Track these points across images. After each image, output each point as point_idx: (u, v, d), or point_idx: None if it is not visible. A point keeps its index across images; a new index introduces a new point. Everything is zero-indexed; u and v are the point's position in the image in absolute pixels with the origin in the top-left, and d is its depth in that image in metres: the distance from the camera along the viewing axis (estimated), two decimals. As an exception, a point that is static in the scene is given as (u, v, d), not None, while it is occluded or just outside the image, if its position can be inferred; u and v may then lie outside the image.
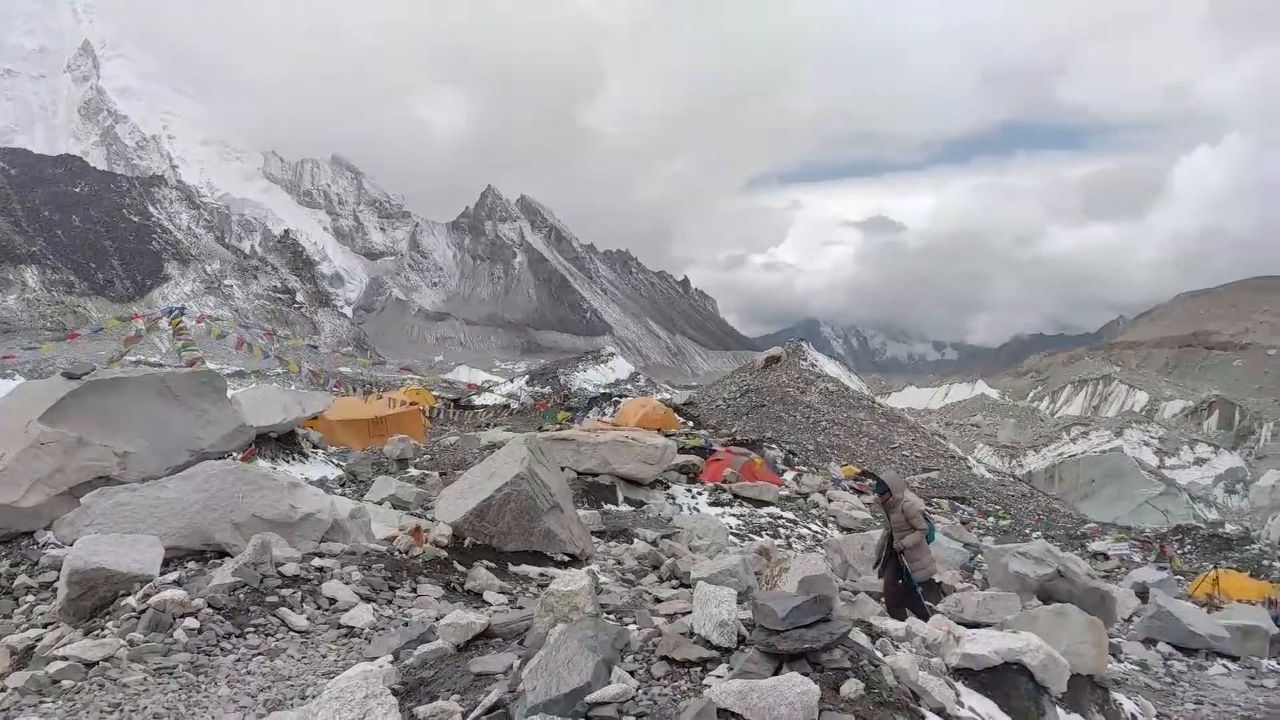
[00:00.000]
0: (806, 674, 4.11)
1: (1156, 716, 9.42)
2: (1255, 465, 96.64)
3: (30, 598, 8.02)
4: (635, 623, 5.49)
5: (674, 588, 8.56)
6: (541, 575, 9.13)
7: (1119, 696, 8.94)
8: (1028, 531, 32.95)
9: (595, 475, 18.04)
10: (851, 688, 4.11)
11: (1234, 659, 14.84)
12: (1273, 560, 32.04)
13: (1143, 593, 19.64)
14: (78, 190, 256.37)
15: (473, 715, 4.32)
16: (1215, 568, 26.79)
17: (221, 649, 6.16)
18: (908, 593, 9.47)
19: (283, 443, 17.63)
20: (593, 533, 12.37)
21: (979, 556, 19.77)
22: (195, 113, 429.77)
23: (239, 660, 6.05)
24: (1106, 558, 30.02)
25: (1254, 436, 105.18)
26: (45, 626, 7.13)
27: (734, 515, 18.92)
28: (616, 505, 17.31)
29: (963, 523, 30.37)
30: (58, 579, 7.77)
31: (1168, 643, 14.89)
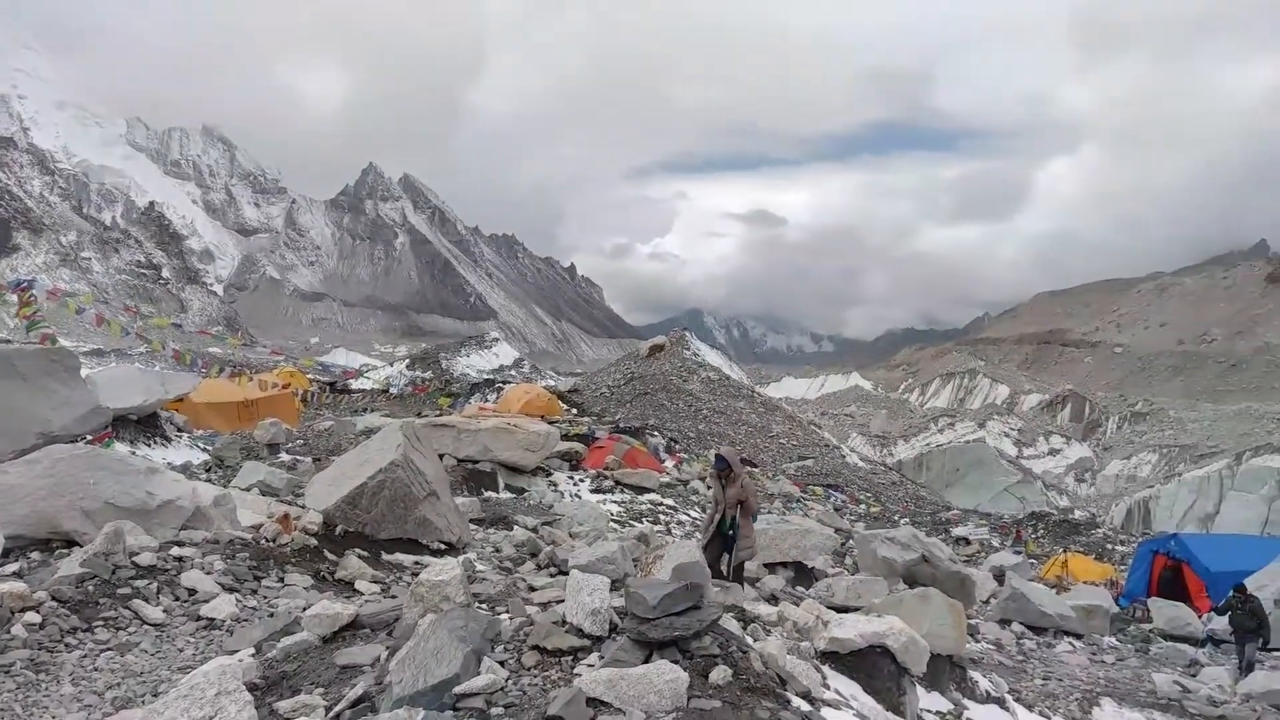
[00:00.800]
0: (676, 661, 4.15)
1: (1009, 692, 9.96)
2: (1102, 455, 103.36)
3: None
4: (508, 612, 5.44)
5: (552, 575, 8.53)
6: (416, 564, 8.95)
7: (975, 674, 9.41)
8: (896, 518, 34.32)
9: (476, 462, 17.82)
10: (720, 674, 4.17)
11: (1079, 636, 15.87)
12: (1115, 544, 34.37)
13: (1000, 575, 20.73)
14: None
15: (337, 709, 4.19)
16: (1064, 551, 28.55)
17: (66, 645, 5.79)
18: (736, 569, 9.57)
19: (144, 425, 16.78)
20: (472, 520, 12.21)
21: (850, 542, 20.46)
22: (50, 72, 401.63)
23: (85, 656, 5.70)
24: (968, 542, 31.57)
25: (1101, 429, 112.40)
26: None
27: (615, 502, 19.02)
28: (497, 492, 17.14)
29: (835, 509, 31.39)
30: (-120, 571, 7.17)
31: (1021, 622, 15.78)
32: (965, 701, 8.68)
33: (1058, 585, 22.19)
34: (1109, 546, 33.62)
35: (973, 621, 14.56)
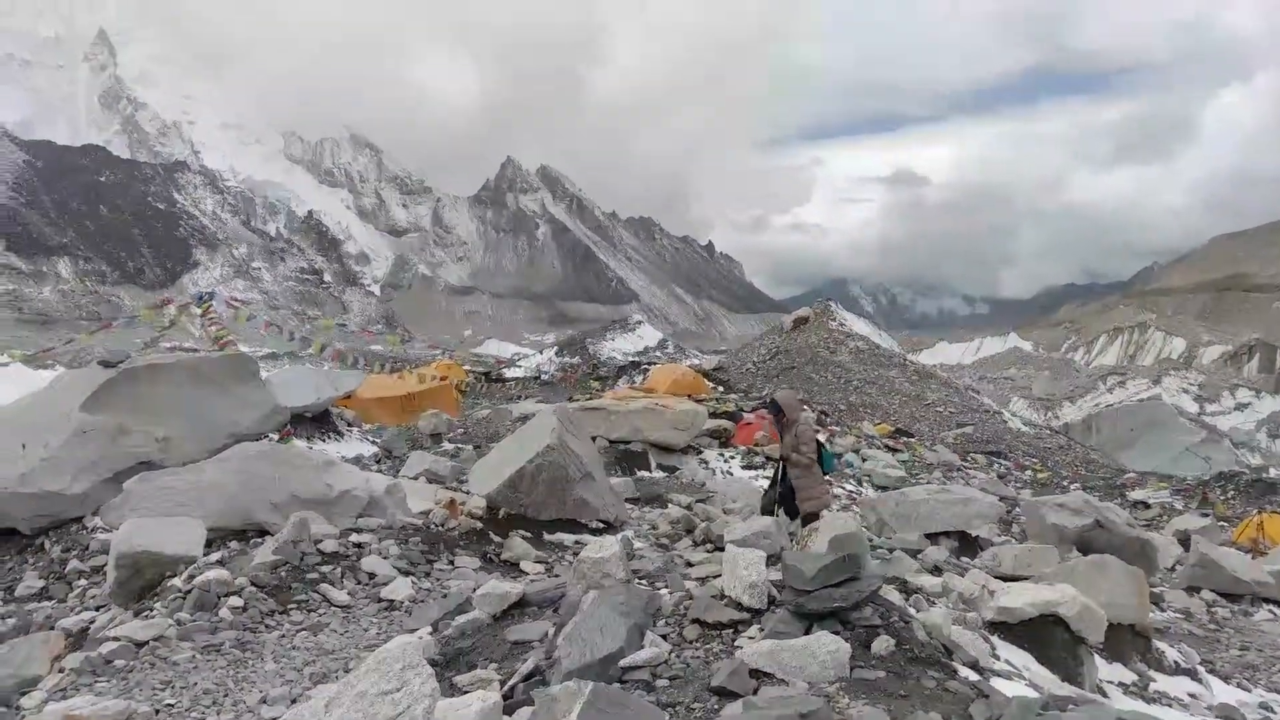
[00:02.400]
0: (836, 633, 4.13)
1: (1201, 663, 9.38)
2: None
3: (83, 581, 8.22)
4: (667, 587, 5.54)
5: (708, 551, 8.61)
6: (576, 543, 9.22)
7: (1162, 645, 8.91)
8: (1066, 484, 32.69)
9: (627, 443, 18.11)
10: (882, 644, 4.13)
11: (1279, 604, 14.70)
12: (1317, 503, 31.57)
13: (1185, 540, 19.45)
14: (103, 180, 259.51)
15: (510, 683, 4.40)
16: (1259, 513, 26.43)
17: (266, 626, 6.30)
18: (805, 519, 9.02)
19: (317, 422, 17.86)
20: (626, 500, 12.44)
21: (1016, 509, 19.67)
22: (213, 96, 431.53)
23: (283, 636, 6.18)
24: (1147, 506, 29.71)
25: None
26: (97, 609, 7.31)
27: (767, 478, 18.92)
28: (649, 472, 17.38)
29: (999, 477, 30.19)
30: (106, 563, 7.98)
31: (1211, 590, 14.75)
32: (1152, 673, 8.23)
33: (1253, 549, 20.60)
34: (1310, 506, 30.91)
35: (1156, 590, 13.74)
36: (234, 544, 8.22)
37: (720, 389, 32.99)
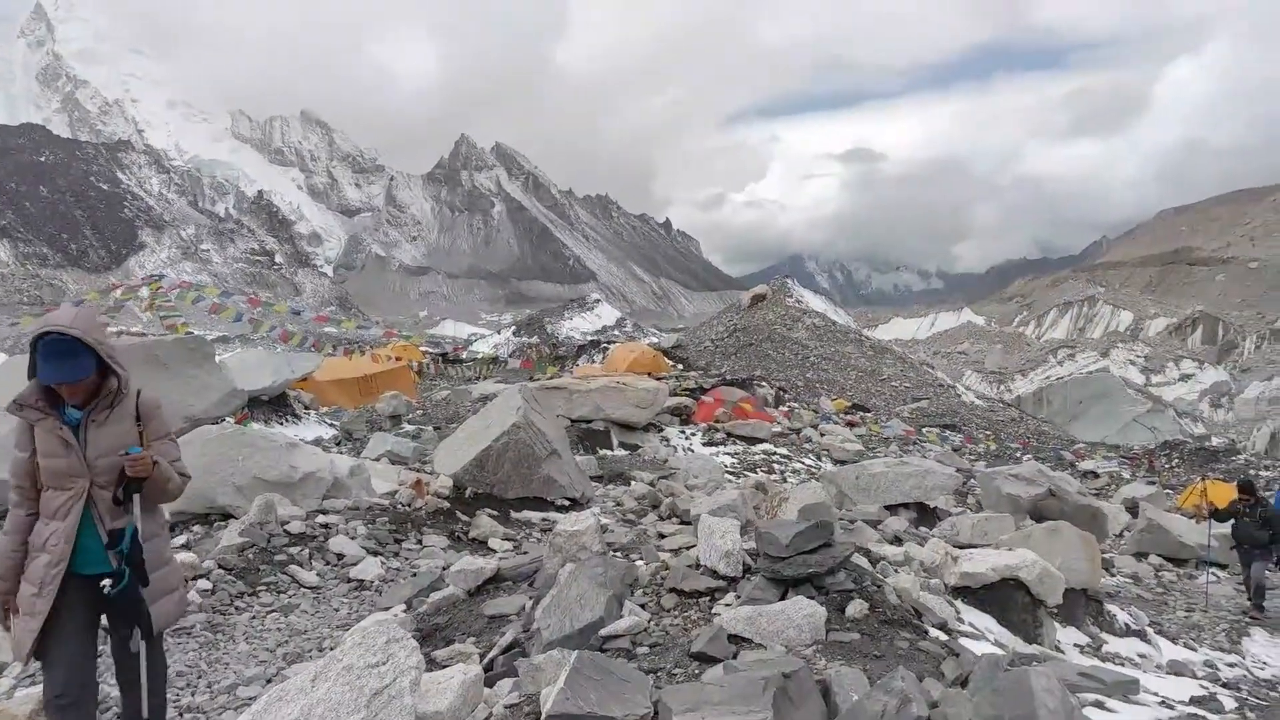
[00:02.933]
0: (812, 597, 4.23)
1: (1150, 625, 9.70)
2: (1240, 378, 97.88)
3: (38, 569, 8.07)
4: (641, 559, 5.61)
5: (675, 525, 8.71)
6: (544, 520, 9.26)
7: (1113, 608, 9.20)
8: (1018, 455, 33.41)
9: (589, 422, 18.15)
10: (856, 608, 4.24)
11: (1222, 566, 15.23)
12: (1258, 470, 32.66)
13: (1133, 508, 20.03)
14: (43, 160, 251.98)
15: (490, 655, 4.44)
16: (1203, 480, 27.28)
17: (236, 608, 6.26)
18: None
19: (274, 405, 17.64)
20: (590, 477, 12.50)
21: (972, 481, 20.09)
22: (158, 74, 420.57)
23: (254, 618, 6.15)
24: (1097, 476, 30.51)
25: (1237, 350, 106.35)
26: (57, 595, 7.20)
27: (728, 454, 19.12)
28: (612, 450, 17.45)
29: (954, 450, 30.77)
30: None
31: (1159, 554, 15.25)
32: (1103, 635, 8.51)
33: (1197, 515, 21.29)
34: (1252, 473, 31.97)
35: (1107, 555, 14.16)
36: (198, 528, 8.13)
37: (679, 366, 33.13)
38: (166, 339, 15.45)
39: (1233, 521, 12.11)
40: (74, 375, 3.38)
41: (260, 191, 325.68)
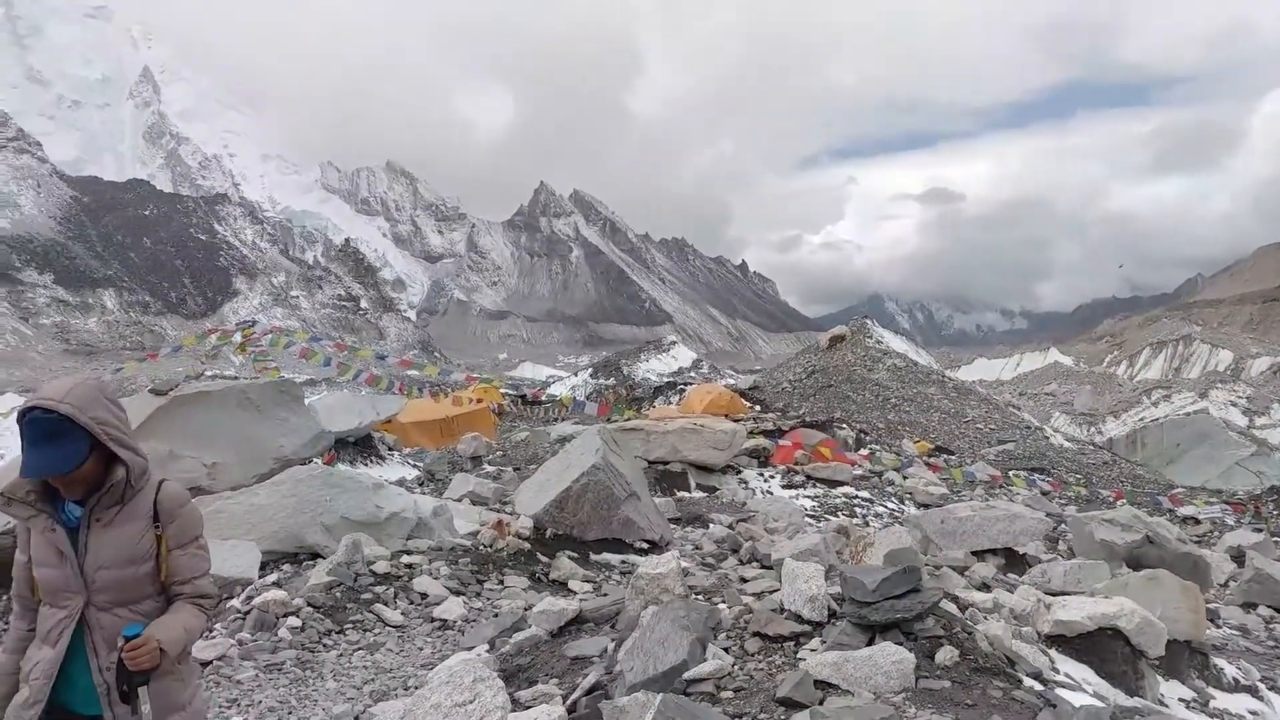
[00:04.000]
0: (900, 643, 4.13)
1: (1261, 680, 9.17)
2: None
3: (139, 606, 8.37)
4: (724, 602, 5.56)
5: (756, 569, 8.61)
6: (623, 562, 9.25)
7: (1219, 661, 8.73)
8: (1110, 502, 32.11)
9: (666, 463, 18.12)
10: (946, 655, 4.12)
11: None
12: (1374, 517, 30.74)
13: (1238, 556, 19.02)
14: (147, 213, 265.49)
15: (573, 697, 4.44)
16: (1313, 527, 25.80)
17: (324, 645, 6.40)
18: None
19: (360, 446, 18.08)
20: (668, 520, 12.46)
21: (1062, 526, 19.37)
22: (253, 130, 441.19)
23: (341, 655, 6.28)
24: (1198, 522, 29.11)
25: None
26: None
27: (808, 497, 18.84)
28: (689, 492, 17.38)
29: (1042, 494, 29.74)
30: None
31: (1268, 605, 14.41)
32: (1210, 690, 8.07)
33: (1308, 564, 20.11)
34: (1366, 520, 30.10)
35: (1211, 606, 13.45)
36: (287, 566, 8.35)
37: (757, 408, 32.88)
38: (258, 382, 16.01)
39: None
40: (60, 466, 2.65)
41: (347, 239, 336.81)
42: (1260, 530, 26.46)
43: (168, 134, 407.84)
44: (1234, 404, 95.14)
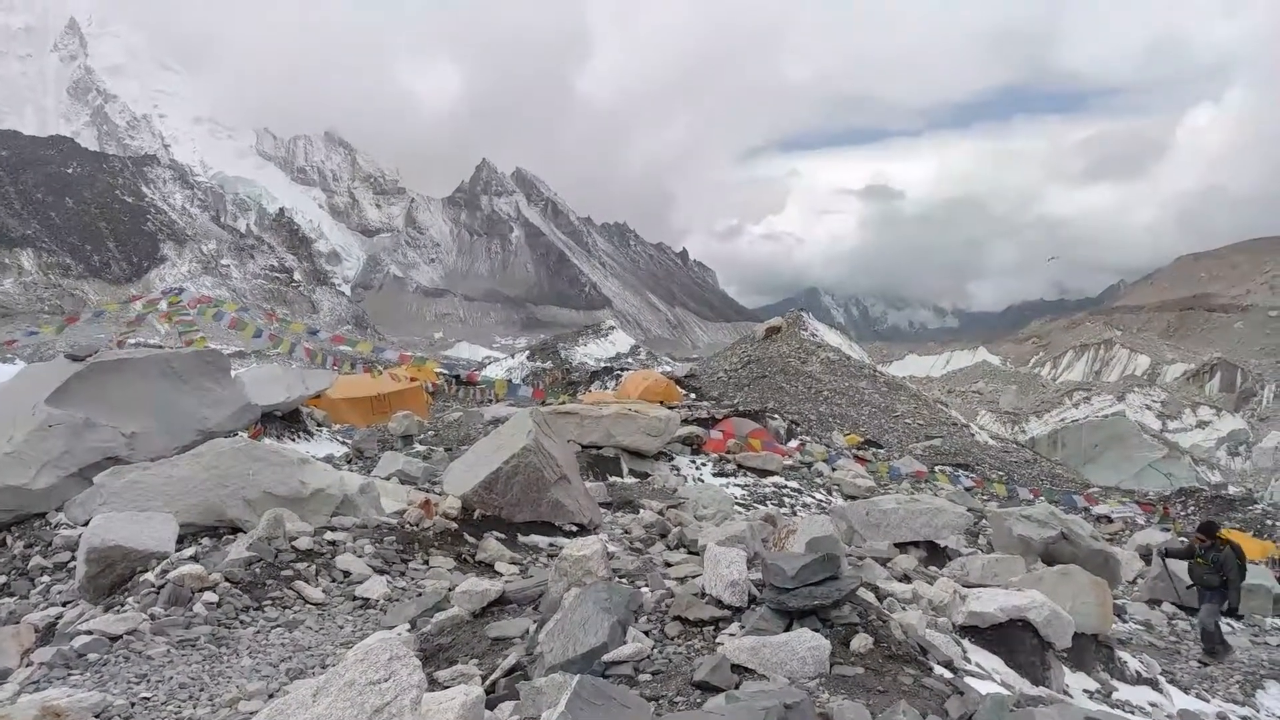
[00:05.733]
0: (817, 629, 4.21)
1: (1161, 673, 9.56)
2: (1258, 427, 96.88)
3: (46, 578, 8.11)
4: (647, 585, 5.59)
5: (682, 554, 8.68)
6: (551, 545, 9.24)
7: (1124, 654, 9.08)
8: (1030, 500, 33.07)
9: (599, 448, 18.13)
10: (861, 642, 4.21)
11: (1238, 617, 15.00)
12: (1275, 520, 32.26)
13: (1146, 555, 19.80)
14: (70, 172, 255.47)
15: (492, 678, 4.42)
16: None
17: (241, 621, 6.27)
18: None
19: (287, 421, 17.73)
20: (599, 504, 12.48)
21: (983, 521, 19.91)
22: (186, 90, 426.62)
23: (258, 632, 6.16)
24: (1110, 521, 30.20)
25: (1256, 398, 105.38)
26: (64, 604, 7.22)
27: (738, 485, 19.05)
28: (621, 477, 17.42)
29: (966, 490, 30.53)
30: (72, 559, 7.88)
31: (1172, 603, 15.04)
32: (1114, 682, 8.40)
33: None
34: (1269, 523, 31.59)
35: (1119, 601, 13.99)
36: (206, 540, 8.16)
37: (692, 396, 33.09)
38: (182, 352, 15.56)
39: (1189, 563, 11.68)
40: None
41: (282, 209, 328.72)
42: (1168, 530, 27.56)
43: (94, 90, 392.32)
44: (1149, 408, 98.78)
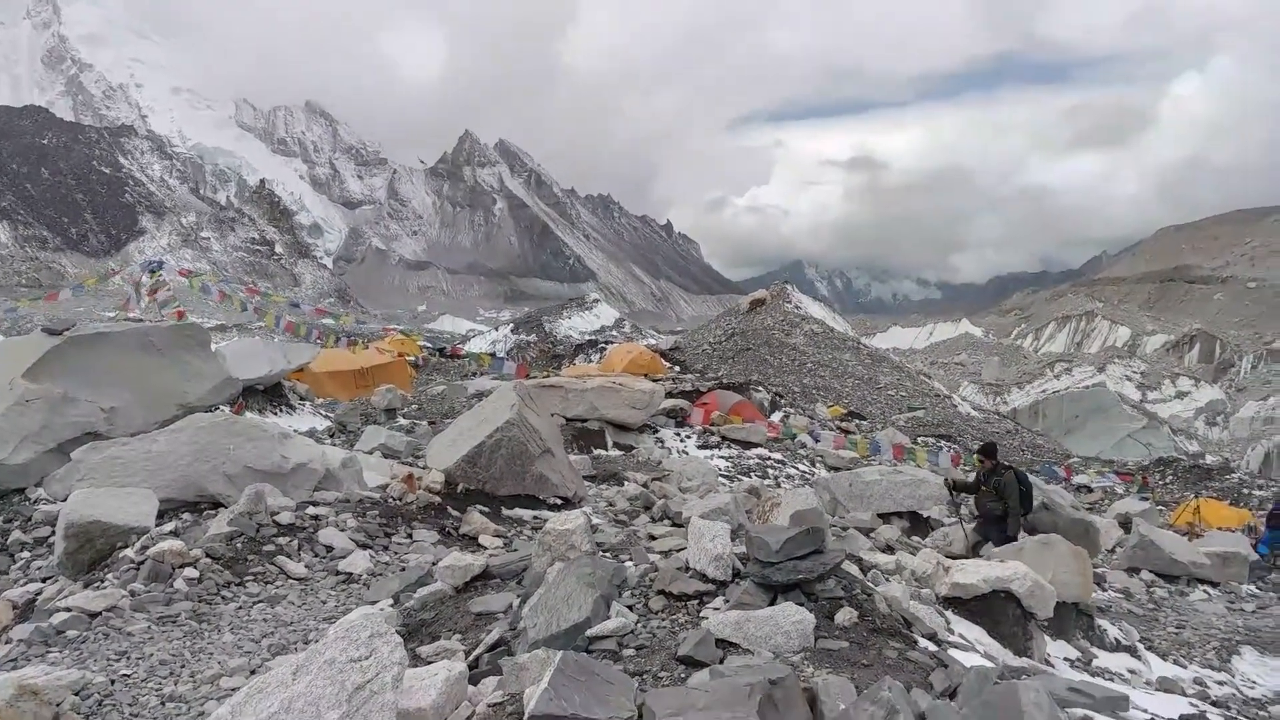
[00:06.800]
0: (801, 603, 4.20)
1: (1140, 640, 9.67)
2: (1235, 397, 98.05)
3: (25, 554, 8.02)
4: (631, 559, 5.58)
5: (666, 527, 8.68)
6: (535, 518, 9.22)
7: (1103, 622, 9.17)
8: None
9: (584, 421, 18.11)
10: (846, 615, 4.21)
11: (1214, 584, 15.22)
12: (1251, 489, 32.70)
13: (1126, 523, 20.01)
14: (45, 142, 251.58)
15: (475, 653, 4.40)
16: (1196, 497, 27.32)
17: (222, 597, 6.22)
18: None
19: (269, 395, 17.57)
20: (584, 477, 12.47)
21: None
22: (163, 60, 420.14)
23: (240, 608, 6.11)
24: (1090, 490, 30.53)
25: (1234, 369, 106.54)
26: (44, 580, 7.15)
27: (723, 457, 19.10)
28: (606, 450, 17.42)
29: (952, 460, 30.74)
30: (51, 534, 7.80)
31: (1150, 570, 15.23)
32: (1094, 649, 8.49)
33: (1189, 532, 21.30)
34: (1245, 492, 32.00)
35: (1099, 570, 14.13)
36: (187, 515, 8.09)
37: (676, 369, 33.11)
38: (162, 325, 15.38)
39: (974, 496, 10.88)
40: None
41: (262, 181, 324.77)
42: (1146, 499, 27.90)
43: (69, 59, 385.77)
44: (1129, 379, 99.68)
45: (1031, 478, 14.75)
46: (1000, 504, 10.08)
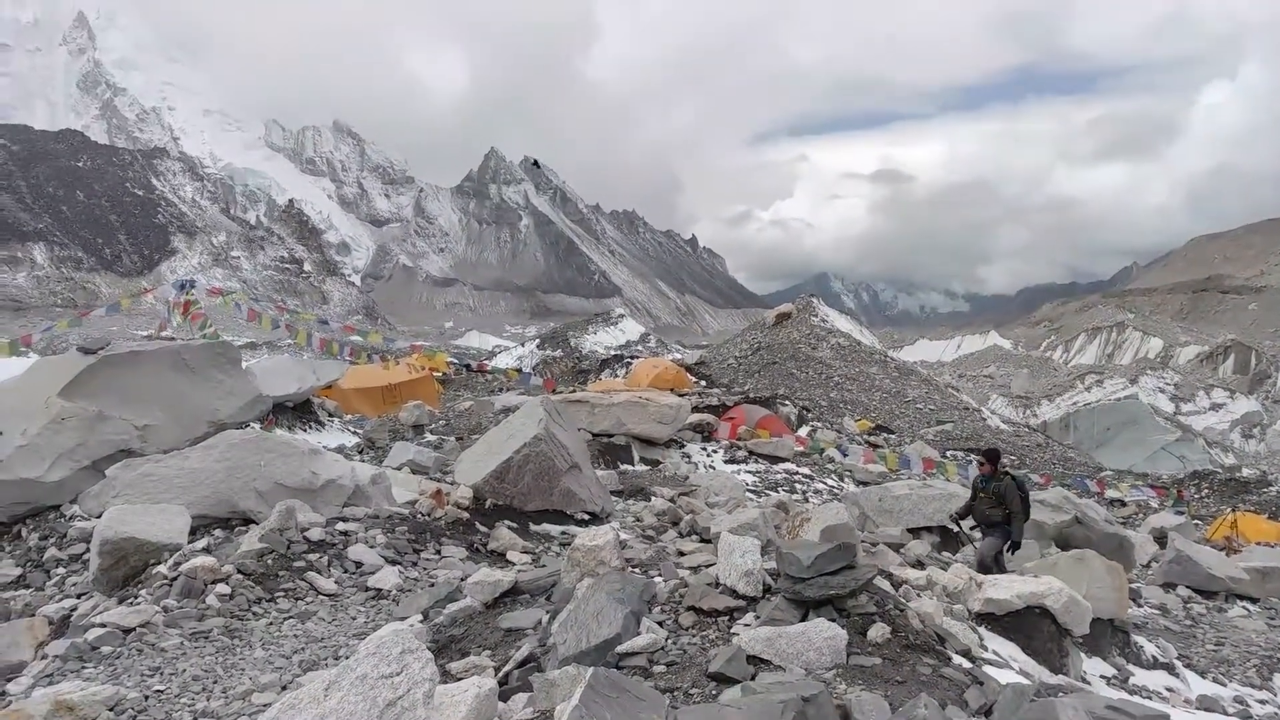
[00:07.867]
0: (833, 619, 4.16)
1: (1178, 658, 9.49)
2: (1272, 409, 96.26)
3: (61, 570, 8.13)
4: (660, 575, 5.55)
5: (695, 543, 8.64)
6: (563, 534, 9.21)
7: (1140, 639, 9.01)
8: (1040, 485, 32.89)
9: (610, 436, 18.10)
10: (878, 632, 4.16)
11: (1254, 600, 14.89)
12: (1290, 502, 32.00)
13: (1161, 538, 19.68)
14: (80, 165, 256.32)
15: (505, 669, 4.39)
16: (1233, 511, 26.79)
17: (254, 613, 6.26)
18: None
19: (299, 412, 17.72)
20: (611, 492, 12.44)
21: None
22: (194, 82, 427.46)
23: (271, 624, 6.15)
24: (1124, 504, 30.04)
25: (1270, 380, 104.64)
26: (79, 597, 7.23)
27: (750, 472, 19.00)
28: (633, 465, 17.39)
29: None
30: (86, 551, 7.89)
31: (1187, 586, 14.94)
32: (1130, 667, 8.34)
33: (1227, 547, 20.88)
34: (1283, 505, 31.34)
35: (1134, 585, 13.89)
36: (219, 532, 8.16)
37: (702, 383, 33.01)
38: (194, 343, 15.57)
39: (973, 503, 10.45)
40: None
41: (291, 200, 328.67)
42: (1182, 513, 27.41)
43: (103, 83, 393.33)
44: (1162, 390, 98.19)
45: (1064, 491, 14.55)
46: (1000, 510, 9.85)
